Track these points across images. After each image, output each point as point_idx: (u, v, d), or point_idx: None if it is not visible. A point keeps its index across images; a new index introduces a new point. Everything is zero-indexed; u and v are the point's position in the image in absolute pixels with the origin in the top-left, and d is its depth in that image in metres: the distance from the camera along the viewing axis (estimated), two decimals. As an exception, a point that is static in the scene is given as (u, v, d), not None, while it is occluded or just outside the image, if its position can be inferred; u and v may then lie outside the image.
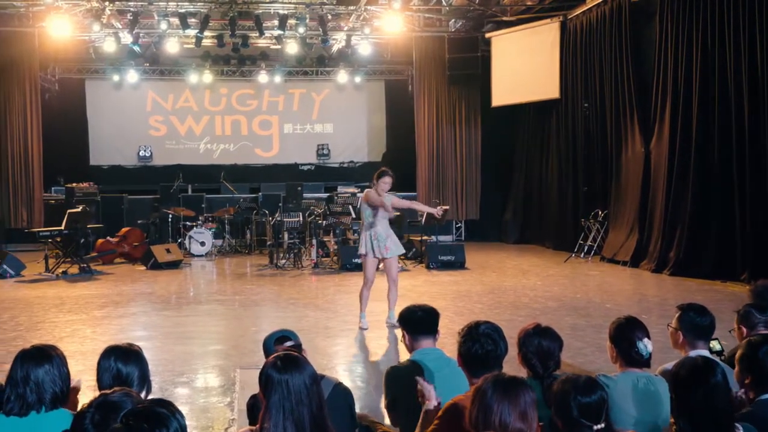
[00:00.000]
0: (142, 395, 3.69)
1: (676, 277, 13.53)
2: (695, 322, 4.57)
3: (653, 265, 14.40)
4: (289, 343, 4.23)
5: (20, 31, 19.43)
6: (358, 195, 19.41)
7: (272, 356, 3.38)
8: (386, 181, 9.69)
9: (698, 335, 4.57)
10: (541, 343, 4.14)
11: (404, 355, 4.86)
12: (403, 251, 11.14)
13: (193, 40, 20.02)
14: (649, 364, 4.23)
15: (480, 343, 3.88)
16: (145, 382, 3.81)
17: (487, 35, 20.41)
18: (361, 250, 9.94)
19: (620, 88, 16.02)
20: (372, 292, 9.92)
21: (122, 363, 3.76)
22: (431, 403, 3.94)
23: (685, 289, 12.45)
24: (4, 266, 14.75)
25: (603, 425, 3.35)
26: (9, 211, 19.65)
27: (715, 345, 4.82)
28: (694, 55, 13.58)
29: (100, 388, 3.66)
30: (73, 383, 4.03)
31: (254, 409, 4.12)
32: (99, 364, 3.79)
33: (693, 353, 4.46)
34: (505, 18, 19.59)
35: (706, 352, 4.51)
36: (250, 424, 4.05)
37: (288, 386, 3.20)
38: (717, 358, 4.54)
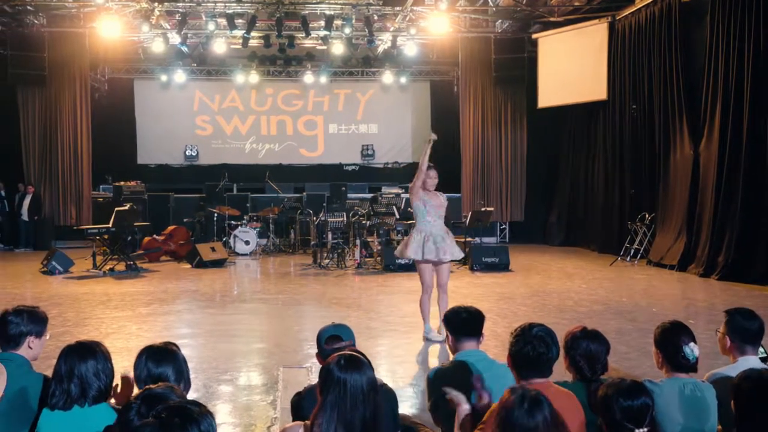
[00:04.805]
0: (181, 393, 3.71)
1: (725, 282, 13.30)
2: (743, 327, 4.47)
3: (701, 269, 14.18)
4: (341, 344, 4.22)
5: (71, 31, 19.78)
6: (402, 195, 19.38)
7: (337, 354, 3.39)
8: (431, 176, 8.99)
9: (746, 340, 4.46)
10: (589, 347, 4.10)
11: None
12: (462, 255, 9.71)
13: (240, 41, 20.17)
14: (696, 369, 4.15)
15: (532, 345, 3.83)
16: (181, 380, 3.82)
17: (534, 36, 20.29)
18: (411, 254, 9.03)
19: (669, 89, 15.80)
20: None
21: (153, 363, 3.77)
22: (462, 409, 3.93)
23: (733, 294, 12.24)
24: (53, 263, 15.00)
25: (646, 429, 3.30)
26: (58, 208, 20.03)
27: (760, 352, 4.71)
28: (745, 56, 13.34)
29: (140, 386, 3.70)
30: (124, 374, 4.07)
31: (298, 406, 4.13)
32: (134, 364, 3.83)
33: (741, 359, 4.37)
34: (552, 19, 19.44)
35: (755, 358, 4.41)
36: (294, 420, 4.05)
37: (345, 387, 3.21)
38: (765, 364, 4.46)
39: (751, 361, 4.30)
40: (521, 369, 3.89)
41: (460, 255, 9.33)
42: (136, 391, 3.51)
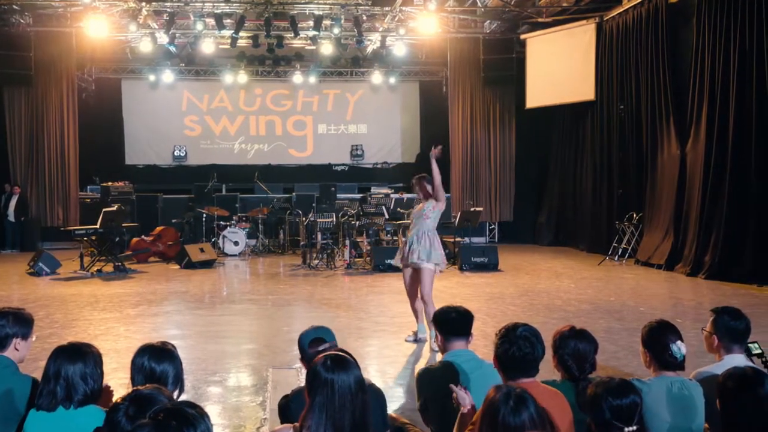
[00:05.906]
0: (175, 394, 3.69)
1: (712, 281, 13.36)
2: (730, 326, 4.50)
3: (688, 268, 14.23)
4: (324, 346, 4.21)
5: (58, 31, 19.68)
6: (392, 196, 19.42)
7: (323, 354, 3.39)
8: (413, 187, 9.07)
9: (733, 339, 4.49)
10: (577, 346, 4.12)
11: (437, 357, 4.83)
12: (438, 262, 8.93)
13: (229, 41, 20.14)
14: (683, 367, 4.18)
15: (517, 346, 3.84)
16: (178, 381, 3.81)
17: (522, 36, 20.33)
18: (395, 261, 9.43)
19: (656, 90, 15.85)
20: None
21: (155, 362, 3.75)
22: (467, 408, 3.93)
23: (720, 293, 12.29)
24: (40, 264, 14.92)
25: (635, 428, 3.32)
26: (45, 209, 19.93)
27: (754, 347, 4.72)
28: (731, 56, 13.41)
29: (134, 386, 3.66)
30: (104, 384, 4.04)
31: (286, 409, 4.12)
32: (133, 362, 3.79)
33: (727, 357, 4.40)
34: (540, 19, 19.49)
35: (741, 356, 4.44)
36: (282, 423, 4.05)
37: (333, 387, 3.21)
38: (759, 360, 4.48)
39: (736, 360, 4.33)
40: (508, 370, 3.90)
41: (433, 258, 8.77)
42: (126, 391, 3.49)
